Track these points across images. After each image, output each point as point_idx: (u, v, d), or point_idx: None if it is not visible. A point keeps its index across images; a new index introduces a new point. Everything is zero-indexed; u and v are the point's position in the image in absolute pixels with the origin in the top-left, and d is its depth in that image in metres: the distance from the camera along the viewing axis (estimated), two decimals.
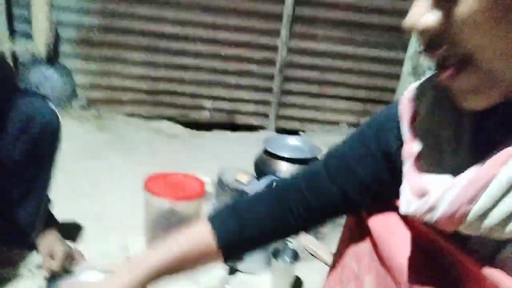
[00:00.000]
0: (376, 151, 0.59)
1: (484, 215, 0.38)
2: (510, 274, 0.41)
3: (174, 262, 0.62)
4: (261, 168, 1.63)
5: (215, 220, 0.66)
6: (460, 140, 0.45)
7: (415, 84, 0.55)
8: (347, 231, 0.72)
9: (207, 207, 1.64)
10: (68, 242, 1.20)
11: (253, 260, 1.27)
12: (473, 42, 0.35)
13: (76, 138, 2.23)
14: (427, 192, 0.42)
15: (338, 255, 0.70)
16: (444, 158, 0.45)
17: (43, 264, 1.08)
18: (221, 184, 1.59)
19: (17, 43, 2.50)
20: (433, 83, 0.51)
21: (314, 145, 1.73)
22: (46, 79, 2.58)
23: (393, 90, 2.87)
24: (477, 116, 0.44)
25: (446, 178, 0.43)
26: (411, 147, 0.49)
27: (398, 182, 0.51)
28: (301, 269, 1.29)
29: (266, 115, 2.95)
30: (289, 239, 1.30)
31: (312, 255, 1.42)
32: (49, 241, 1.13)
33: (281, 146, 1.68)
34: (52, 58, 2.58)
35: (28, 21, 2.52)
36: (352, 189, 0.61)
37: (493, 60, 0.36)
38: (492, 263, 0.42)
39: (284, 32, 2.70)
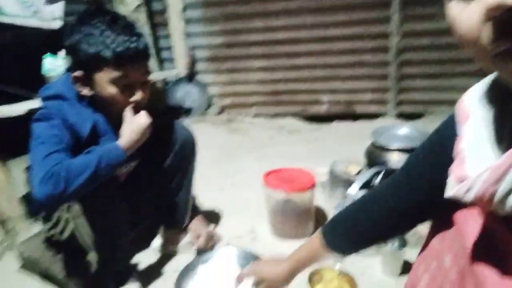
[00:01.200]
0: (444, 157, 0.64)
1: (506, 195, 0.45)
2: None
3: (305, 263, 0.99)
4: (371, 160, 1.71)
5: (325, 234, 0.91)
6: (501, 137, 0.51)
7: (476, 85, 0.60)
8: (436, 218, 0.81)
9: (323, 196, 1.82)
10: (210, 226, 1.53)
11: None
12: None
13: (212, 141, 2.65)
14: (466, 178, 0.50)
15: (428, 238, 0.78)
16: (485, 153, 0.53)
17: (192, 242, 1.43)
18: (333, 175, 1.74)
19: (164, 68, 3.08)
20: (486, 85, 0.57)
21: (425, 132, 1.73)
22: (187, 94, 3.12)
23: None
24: None
25: (483, 167, 0.49)
26: (460, 145, 0.55)
27: None
28: (411, 254, 1.35)
29: (385, 102, 2.94)
30: None
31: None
32: (196, 225, 1.48)
33: (390, 136, 1.72)
34: (191, 76, 3.10)
35: (170, 48, 3.08)
36: (432, 195, 0.66)
37: None
38: None
39: (395, 17, 2.65)
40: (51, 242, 1.36)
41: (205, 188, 1.96)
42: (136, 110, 1.13)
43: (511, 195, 0.45)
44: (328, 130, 2.92)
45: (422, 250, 0.79)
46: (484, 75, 0.59)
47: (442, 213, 0.70)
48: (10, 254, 1.48)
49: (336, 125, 2.99)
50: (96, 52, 1.03)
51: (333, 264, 1.32)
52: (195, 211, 1.54)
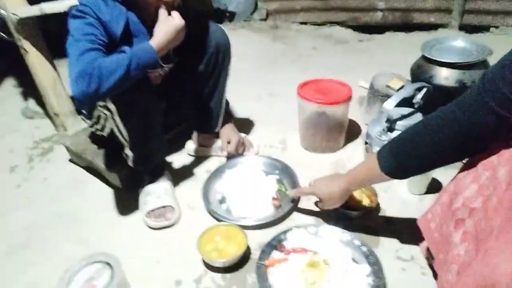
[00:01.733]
0: None
1: None
2: None
3: (360, 183, 1.03)
4: (417, 74, 1.58)
5: (381, 157, 0.91)
6: None
7: None
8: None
9: (359, 111, 1.75)
10: (242, 134, 1.57)
11: None
12: None
13: (255, 48, 2.58)
14: None
15: (483, 155, 0.76)
16: None
17: (223, 147, 1.48)
18: (372, 89, 1.65)
19: None
20: None
21: (484, 46, 1.53)
22: None
23: None
24: None
25: None
26: None
27: None
28: (439, 172, 1.30)
29: (448, 11, 2.62)
30: None
31: None
32: (228, 131, 1.51)
33: (443, 49, 1.56)
34: None
35: None
36: (509, 113, 0.64)
37: None
38: None
39: None
40: (94, 137, 1.48)
41: (242, 96, 1.96)
42: (169, 11, 1.10)
43: None
44: (379, 41, 2.70)
45: (471, 161, 0.77)
46: None
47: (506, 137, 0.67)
48: (60, 147, 1.64)
49: (389, 35, 2.75)
50: None
51: None
52: (228, 117, 1.57)
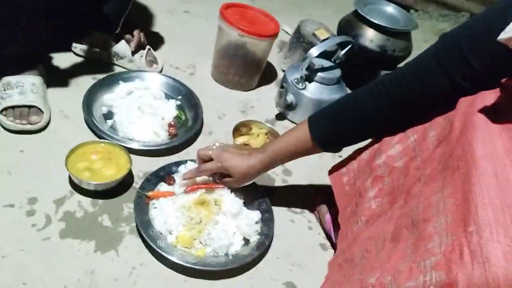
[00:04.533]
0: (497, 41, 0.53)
1: None
2: None
3: (283, 156, 0.85)
4: (344, 29, 1.52)
5: (313, 123, 0.79)
6: None
7: None
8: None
9: (278, 56, 1.64)
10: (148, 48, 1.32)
11: None
12: None
13: None
14: None
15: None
16: None
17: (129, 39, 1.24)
18: (298, 34, 1.55)
19: None
20: None
21: (412, 19, 1.54)
22: None
23: None
24: None
25: None
26: None
27: None
28: None
29: None
30: None
31: None
32: (133, 33, 1.26)
33: (374, 10, 1.51)
34: None
35: None
36: (463, 79, 0.60)
37: None
38: None
39: None
40: None
41: (152, 6, 1.68)
42: None
43: None
44: None
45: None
46: None
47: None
48: None
49: None
50: None
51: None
52: (131, 18, 1.30)
